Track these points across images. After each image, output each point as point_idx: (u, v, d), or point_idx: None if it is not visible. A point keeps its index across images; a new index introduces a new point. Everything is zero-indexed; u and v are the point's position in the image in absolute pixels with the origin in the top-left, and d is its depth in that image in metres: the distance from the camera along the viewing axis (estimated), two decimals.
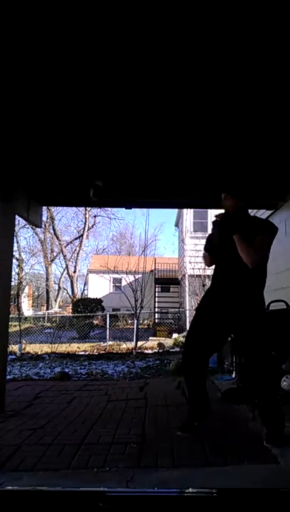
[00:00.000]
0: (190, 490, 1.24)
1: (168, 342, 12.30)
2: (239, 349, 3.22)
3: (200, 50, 2.41)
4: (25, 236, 41.61)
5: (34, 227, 15.95)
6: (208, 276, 11.36)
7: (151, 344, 11.90)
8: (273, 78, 2.69)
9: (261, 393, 3.06)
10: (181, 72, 2.64)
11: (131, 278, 13.77)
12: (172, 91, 2.87)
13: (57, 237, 27.90)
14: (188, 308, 14.12)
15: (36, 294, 33.02)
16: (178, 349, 10.59)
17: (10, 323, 5.51)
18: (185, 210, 15.89)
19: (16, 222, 7.73)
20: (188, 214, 15.89)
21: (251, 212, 7.39)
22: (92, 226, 30.10)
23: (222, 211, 3.13)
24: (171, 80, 2.73)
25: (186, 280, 14.99)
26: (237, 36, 2.28)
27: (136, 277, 13.95)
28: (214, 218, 3.13)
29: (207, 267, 3.48)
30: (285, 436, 2.93)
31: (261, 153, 3.98)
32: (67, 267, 28.65)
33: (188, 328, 3.33)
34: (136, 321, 12.19)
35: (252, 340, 2.99)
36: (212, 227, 3.20)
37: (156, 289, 19.06)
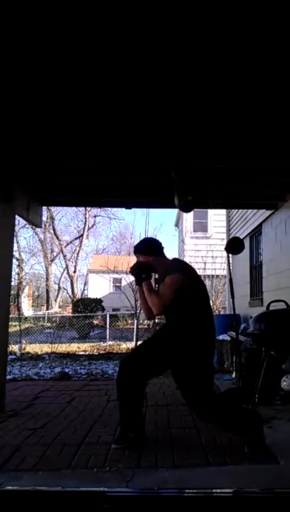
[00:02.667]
0: (190, 490, 1.24)
1: None
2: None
3: (200, 50, 2.41)
4: (25, 236, 41.59)
5: (34, 227, 15.93)
6: (208, 276, 11.40)
7: None
8: (273, 78, 2.70)
9: (218, 423, 2.96)
10: (181, 73, 2.64)
11: (131, 278, 13.74)
12: (172, 91, 2.87)
13: (57, 237, 27.88)
14: None
15: (36, 294, 32.98)
16: None
17: (10, 323, 5.51)
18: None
19: (16, 222, 7.73)
20: (188, 214, 15.88)
21: (249, 212, 7.40)
22: (92, 226, 30.07)
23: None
24: (172, 81, 2.73)
25: None
26: (238, 36, 2.28)
27: None
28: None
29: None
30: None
31: (261, 153, 3.98)
32: (67, 267, 28.63)
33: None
34: (136, 321, 12.18)
35: (186, 384, 2.93)
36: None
37: (156, 289, 19.02)
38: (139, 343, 11.32)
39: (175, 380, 3.05)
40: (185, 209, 5.15)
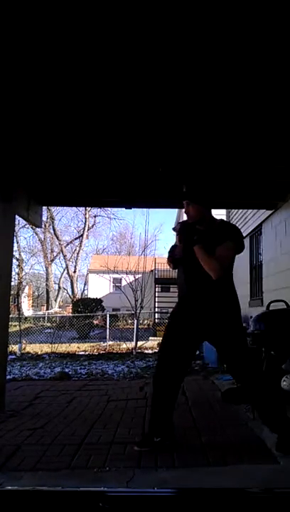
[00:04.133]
0: (190, 490, 1.24)
1: None
2: (222, 357, 3.13)
3: (200, 51, 2.41)
4: (25, 236, 41.66)
5: (34, 227, 15.94)
6: None
7: (151, 344, 11.90)
8: (273, 78, 2.69)
9: (258, 399, 2.92)
10: (181, 73, 2.64)
11: (131, 278, 13.78)
12: (172, 92, 2.87)
13: (57, 237, 27.91)
14: None
15: (36, 294, 33.01)
16: None
17: (10, 323, 5.51)
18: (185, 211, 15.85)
19: (16, 222, 7.73)
20: None
21: (249, 212, 7.41)
22: (92, 226, 30.13)
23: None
24: (172, 82, 2.73)
25: None
26: (237, 36, 2.28)
27: (136, 277, 13.96)
28: (174, 228, 3.09)
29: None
30: None
31: (261, 153, 3.98)
32: (67, 267, 28.66)
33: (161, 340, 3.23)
34: (136, 321, 12.19)
35: (231, 347, 2.88)
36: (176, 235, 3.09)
37: (156, 289, 19.08)
38: (143, 342, 11.41)
39: (222, 351, 3.04)
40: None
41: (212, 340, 3.01)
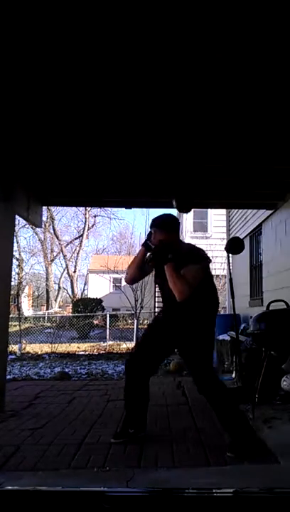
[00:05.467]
0: (190, 490, 1.24)
1: None
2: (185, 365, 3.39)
3: (200, 50, 2.41)
4: (25, 236, 41.54)
5: (34, 227, 15.93)
6: None
7: None
8: (273, 78, 2.70)
9: (215, 405, 2.98)
10: (181, 71, 2.64)
11: None
12: (172, 91, 2.87)
13: (57, 237, 27.88)
14: None
15: (36, 294, 32.98)
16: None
17: (10, 323, 5.51)
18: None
19: (16, 222, 7.73)
20: (188, 214, 15.86)
21: (249, 212, 7.41)
22: (92, 226, 30.08)
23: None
24: (171, 80, 2.73)
25: None
26: (237, 35, 2.29)
27: None
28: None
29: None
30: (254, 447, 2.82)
31: (261, 153, 3.98)
32: (67, 266, 28.63)
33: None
34: (136, 321, 12.18)
35: (194, 361, 3.01)
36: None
37: (156, 289, 19.04)
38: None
39: (184, 357, 3.22)
40: (182, 210, 5.17)
41: (180, 351, 3.26)
